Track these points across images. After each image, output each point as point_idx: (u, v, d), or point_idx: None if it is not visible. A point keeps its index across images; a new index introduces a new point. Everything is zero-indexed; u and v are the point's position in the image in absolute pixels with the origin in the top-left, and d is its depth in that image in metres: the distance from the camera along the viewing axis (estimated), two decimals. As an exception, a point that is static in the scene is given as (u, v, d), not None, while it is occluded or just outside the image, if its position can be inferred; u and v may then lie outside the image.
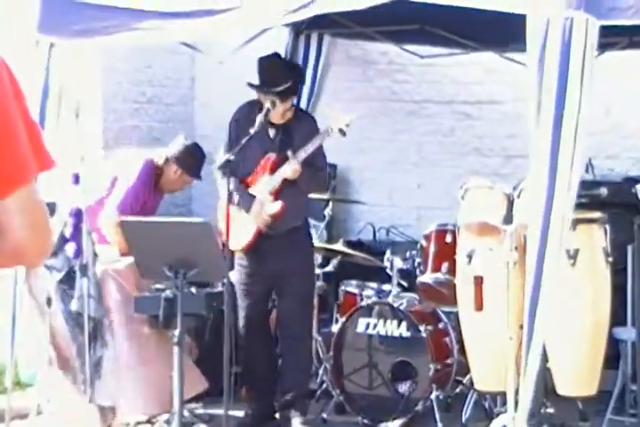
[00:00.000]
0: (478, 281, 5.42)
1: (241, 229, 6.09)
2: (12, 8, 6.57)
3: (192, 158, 6.51)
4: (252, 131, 5.86)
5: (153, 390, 5.89)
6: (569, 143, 4.28)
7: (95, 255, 5.75)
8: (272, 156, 6.13)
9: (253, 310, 6.26)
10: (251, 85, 6.09)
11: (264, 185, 6.11)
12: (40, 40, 5.64)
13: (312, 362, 6.56)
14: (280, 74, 6.11)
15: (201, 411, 6.43)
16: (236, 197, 6.12)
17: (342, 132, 6.01)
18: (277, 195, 6.12)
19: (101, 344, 5.80)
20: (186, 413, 5.93)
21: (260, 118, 5.92)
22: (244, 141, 5.83)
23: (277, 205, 6.08)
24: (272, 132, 6.18)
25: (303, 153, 6.01)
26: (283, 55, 6.70)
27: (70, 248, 5.64)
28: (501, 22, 4.93)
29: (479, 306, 5.39)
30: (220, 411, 5.61)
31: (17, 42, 6.11)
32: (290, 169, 6.03)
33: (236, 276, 6.23)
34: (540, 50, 4.31)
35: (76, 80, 5.74)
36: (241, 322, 6.29)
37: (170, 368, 5.48)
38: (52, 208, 5.64)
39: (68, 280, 5.69)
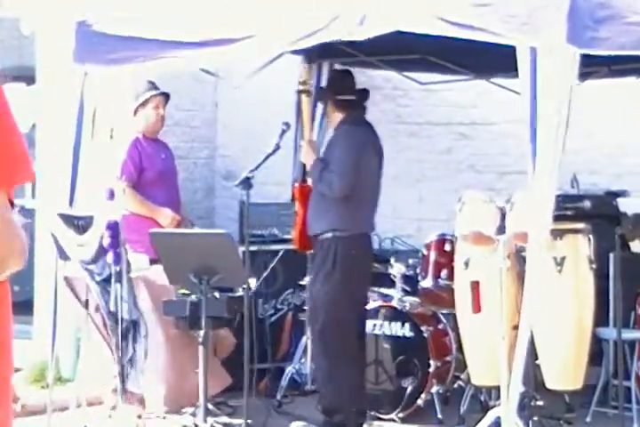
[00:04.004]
0: (475, 285, 5.41)
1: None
2: (51, 40, 6.63)
3: (142, 90, 6.57)
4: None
5: (178, 386, 5.91)
6: (548, 161, 4.26)
7: (128, 263, 5.78)
8: None
9: None
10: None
11: None
12: (76, 68, 5.68)
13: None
14: (332, 81, 6.24)
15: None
16: None
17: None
18: (308, 198, 6.03)
19: (134, 342, 5.82)
20: (210, 406, 5.93)
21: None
22: (264, 157, 5.88)
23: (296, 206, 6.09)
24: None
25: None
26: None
27: (109, 257, 5.67)
28: (492, 52, 4.93)
29: (477, 309, 5.38)
30: (241, 403, 5.61)
31: (56, 70, 6.16)
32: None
33: None
34: (530, 77, 4.32)
35: (110, 105, 5.78)
36: None
37: (195, 366, 5.50)
38: (89, 221, 5.68)
39: (108, 283, 5.73)
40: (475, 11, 4.40)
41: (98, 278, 5.72)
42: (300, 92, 5.99)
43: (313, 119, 6.76)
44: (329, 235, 5.85)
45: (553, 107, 4.24)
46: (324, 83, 6.80)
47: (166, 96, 6.67)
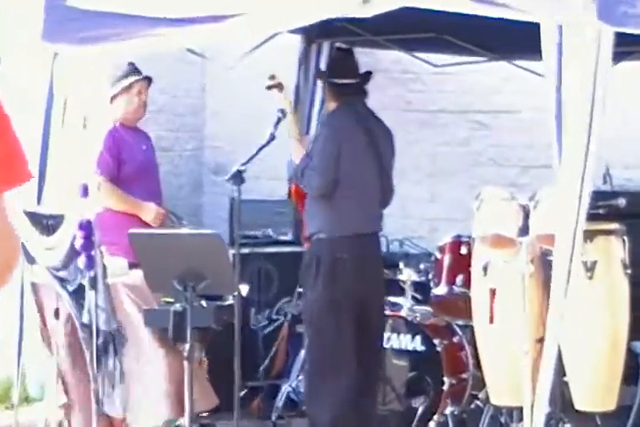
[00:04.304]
0: (491, 293, 5.39)
1: None
2: (15, 17, 6.58)
3: (121, 73, 6.52)
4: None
5: (166, 401, 5.87)
6: (580, 154, 4.19)
7: (104, 268, 5.72)
8: None
9: None
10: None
11: None
12: (44, 48, 5.63)
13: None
14: (331, 62, 6.48)
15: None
16: None
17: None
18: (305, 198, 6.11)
19: (114, 357, 5.77)
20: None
21: None
22: (258, 148, 5.82)
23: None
24: None
25: None
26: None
27: (81, 260, 5.61)
28: (515, 31, 4.88)
29: (491, 319, 5.37)
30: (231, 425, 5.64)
31: (21, 50, 6.10)
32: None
33: None
34: (556, 58, 4.25)
35: (83, 90, 5.74)
36: None
37: (181, 382, 5.47)
38: (59, 221, 5.62)
39: (81, 291, 5.67)
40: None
41: (70, 288, 5.66)
42: (269, 87, 6.01)
43: (311, 106, 6.73)
44: (314, 237, 5.92)
45: (582, 92, 4.16)
46: (323, 65, 6.78)
47: (149, 80, 6.62)
